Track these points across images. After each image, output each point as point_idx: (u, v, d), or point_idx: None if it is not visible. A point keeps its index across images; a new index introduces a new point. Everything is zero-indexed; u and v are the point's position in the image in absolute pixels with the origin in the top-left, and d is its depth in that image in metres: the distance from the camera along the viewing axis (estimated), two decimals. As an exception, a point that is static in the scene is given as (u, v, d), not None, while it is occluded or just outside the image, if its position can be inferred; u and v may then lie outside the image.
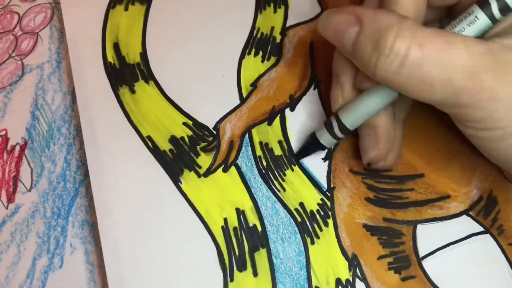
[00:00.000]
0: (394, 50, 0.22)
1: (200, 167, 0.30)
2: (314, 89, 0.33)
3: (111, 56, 0.34)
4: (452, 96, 0.22)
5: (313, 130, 0.30)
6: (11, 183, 0.31)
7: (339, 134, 0.28)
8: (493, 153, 0.25)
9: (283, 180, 0.30)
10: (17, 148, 0.32)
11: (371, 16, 0.24)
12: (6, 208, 0.30)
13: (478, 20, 0.23)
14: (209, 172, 0.30)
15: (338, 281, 0.27)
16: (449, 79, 0.22)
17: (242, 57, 0.34)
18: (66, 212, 0.30)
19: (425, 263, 0.28)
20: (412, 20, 0.23)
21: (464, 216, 0.29)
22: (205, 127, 0.31)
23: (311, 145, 0.30)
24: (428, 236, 0.28)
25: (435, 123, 0.31)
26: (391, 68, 0.23)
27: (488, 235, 0.28)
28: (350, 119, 0.27)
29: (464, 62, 0.22)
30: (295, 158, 0.31)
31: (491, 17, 0.23)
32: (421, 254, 0.28)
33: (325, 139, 0.29)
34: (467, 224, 0.29)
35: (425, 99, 0.23)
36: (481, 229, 0.29)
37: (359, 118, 0.27)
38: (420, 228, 0.29)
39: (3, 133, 0.32)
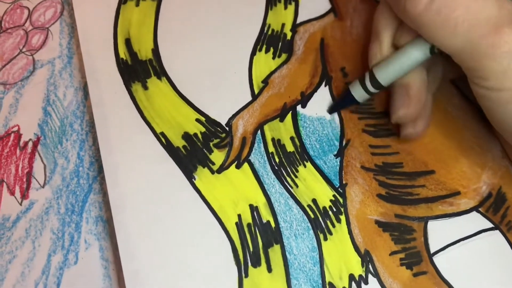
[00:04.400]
0: None
1: (213, 163, 0.31)
2: (325, 86, 0.33)
3: (123, 52, 0.34)
4: (472, 43, 0.23)
5: (323, 126, 0.30)
6: (24, 179, 0.31)
7: (371, 88, 0.29)
8: (499, 117, 0.25)
9: (296, 177, 0.30)
10: (30, 144, 0.32)
11: None
12: (20, 204, 0.30)
13: None
14: (222, 168, 0.30)
15: (351, 276, 0.28)
16: (473, 25, 0.23)
17: (253, 53, 0.34)
18: (80, 208, 0.30)
19: (436, 259, 0.28)
20: None
21: (474, 212, 0.29)
22: (218, 124, 0.32)
23: (345, 98, 0.31)
24: (439, 232, 0.29)
25: (446, 121, 0.31)
26: (419, 4, 0.24)
27: (497, 231, 0.29)
28: (383, 74, 0.28)
29: (492, 12, 0.23)
30: (329, 111, 0.32)
31: None
32: (432, 250, 0.28)
33: (358, 93, 0.30)
34: (477, 221, 0.29)
35: (446, 44, 0.24)
36: (490, 225, 0.29)
37: (392, 74, 0.28)
38: (431, 224, 0.29)
39: (15, 129, 0.32)
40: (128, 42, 0.34)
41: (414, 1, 0.24)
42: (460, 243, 0.28)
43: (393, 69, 0.28)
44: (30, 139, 0.32)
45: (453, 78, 0.32)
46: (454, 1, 0.23)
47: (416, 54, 0.27)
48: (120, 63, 0.33)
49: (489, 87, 0.24)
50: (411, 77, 0.28)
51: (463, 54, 0.24)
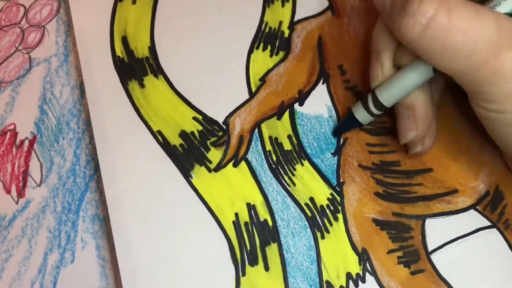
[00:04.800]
0: (420, 10, 0.22)
1: (210, 162, 0.30)
2: (323, 83, 0.33)
3: (119, 50, 0.33)
4: (473, 69, 0.22)
5: (320, 125, 0.30)
6: (20, 178, 0.31)
7: (374, 110, 0.28)
8: (501, 137, 0.25)
9: (293, 175, 0.30)
10: (26, 142, 0.32)
11: None
12: (17, 203, 0.30)
13: None
14: (219, 167, 0.30)
15: (348, 275, 0.28)
16: (472, 50, 0.22)
17: (250, 51, 0.34)
18: (76, 207, 0.30)
19: (434, 257, 0.28)
20: None
21: (472, 210, 0.29)
22: (215, 122, 0.31)
23: (348, 121, 0.30)
24: (436, 230, 0.29)
25: (443, 119, 0.31)
26: (415, 28, 0.23)
27: (495, 229, 0.29)
28: (386, 95, 0.27)
29: (491, 35, 0.22)
30: (332, 135, 0.31)
31: None
32: (429, 248, 0.28)
33: (361, 115, 0.29)
34: (474, 219, 0.29)
35: (446, 68, 0.23)
36: (488, 223, 0.29)
37: (394, 94, 0.27)
38: (429, 222, 0.29)
39: (11, 127, 0.32)
40: (124, 40, 0.34)
41: (408, 26, 0.23)
42: (457, 241, 0.28)
43: (397, 91, 0.27)
44: (26, 138, 0.32)
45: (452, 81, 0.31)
46: (451, 25, 0.22)
47: (419, 74, 0.26)
48: (116, 61, 0.33)
49: (490, 109, 0.24)
50: (416, 97, 0.27)
51: (463, 77, 0.23)
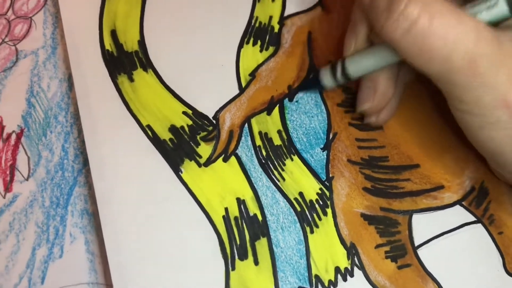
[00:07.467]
0: (404, 14, 0.23)
1: (200, 156, 0.30)
2: (312, 79, 0.33)
3: (108, 43, 0.33)
4: (448, 73, 0.23)
5: (310, 120, 0.30)
6: (8, 172, 0.31)
7: (340, 78, 0.29)
8: (474, 139, 0.26)
9: (283, 170, 0.30)
10: (13, 136, 0.32)
11: None
12: (4, 197, 0.30)
13: (497, 8, 0.23)
14: (209, 161, 0.30)
15: (337, 269, 0.28)
16: (448, 56, 0.22)
17: (240, 46, 0.33)
18: (65, 201, 0.30)
19: (420, 252, 0.29)
20: None
21: (457, 206, 0.30)
22: (205, 117, 0.31)
23: (312, 81, 0.31)
24: (423, 225, 0.29)
25: (431, 116, 0.31)
26: (397, 31, 0.23)
27: (480, 225, 0.29)
28: (354, 67, 0.28)
29: (468, 44, 0.22)
30: (294, 90, 0.32)
31: (511, 6, 0.23)
32: (416, 243, 0.29)
33: (326, 79, 0.30)
34: (460, 214, 0.29)
35: (422, 69, 0.24)
36: (473, 218, 0.29)
37: (362, 68, 0.28)
38: (416, 217, 0.29)
39: (-2, 120, 0.32)
40: (113, 33, 0.34)
41: (391, 28, 0.23)
42: (443, 236, 0.29)
43: (365, 65, 0.27)
44: (14, 131, 0.32)
45: None
46: (431, 31, 0.22)
47: (390, 55, 0.26)
48: (105, 54, 0.33)
49: (463, 110, 0.24)
50: (381, 73, 0.28)
51: (439, 79, 0.24)
